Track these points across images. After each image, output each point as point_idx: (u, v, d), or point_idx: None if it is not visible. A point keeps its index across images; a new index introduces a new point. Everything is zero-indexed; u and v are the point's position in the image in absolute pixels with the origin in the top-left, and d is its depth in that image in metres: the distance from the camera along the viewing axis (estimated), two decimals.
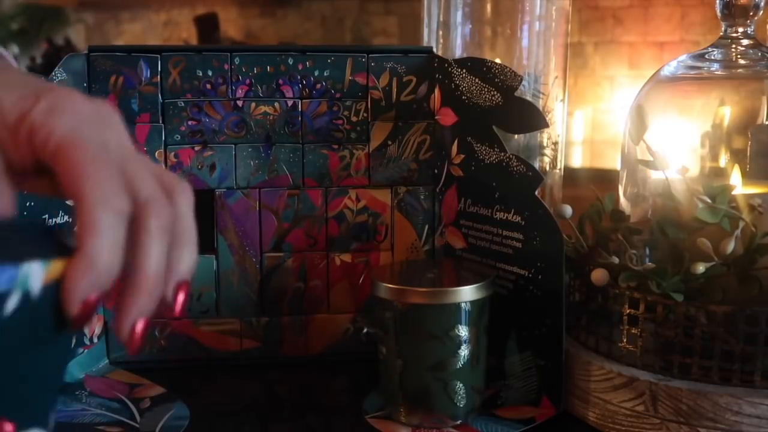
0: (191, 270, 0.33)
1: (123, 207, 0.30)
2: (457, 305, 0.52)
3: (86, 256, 0.29)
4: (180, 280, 0.32)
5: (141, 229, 0.31)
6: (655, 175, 0.57)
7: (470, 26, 0.72)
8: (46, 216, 0.58)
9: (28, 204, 0.56)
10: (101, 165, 0.30)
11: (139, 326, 0.31)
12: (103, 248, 0.29)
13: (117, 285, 0.30)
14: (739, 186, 0.55)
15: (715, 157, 0.58)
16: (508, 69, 0.58)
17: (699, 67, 0.59)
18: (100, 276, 0.29)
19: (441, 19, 0.73)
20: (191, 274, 0.33)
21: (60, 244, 0.30)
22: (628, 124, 0.59)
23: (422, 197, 0.66)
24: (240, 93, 0.64)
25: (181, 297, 0.32)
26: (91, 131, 0.31)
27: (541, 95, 0.72)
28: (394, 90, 0.65)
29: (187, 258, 0.33)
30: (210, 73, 0.63)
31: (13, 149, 0.32)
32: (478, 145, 0.60)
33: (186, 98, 0.63)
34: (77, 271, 0.29)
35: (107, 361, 0.65)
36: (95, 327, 0.64)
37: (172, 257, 0.32)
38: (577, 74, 2.98)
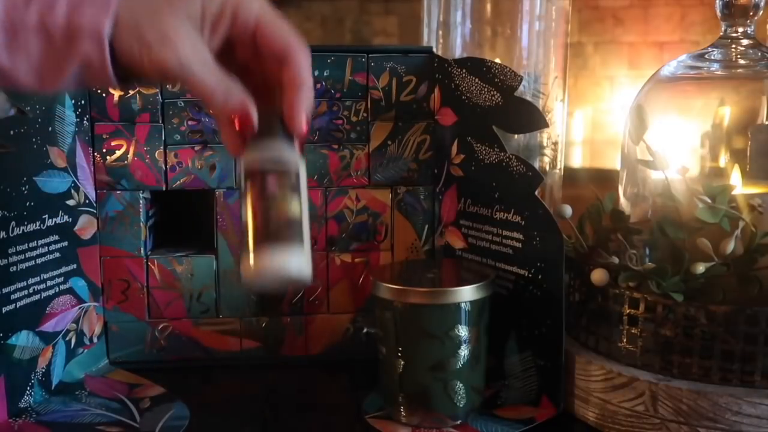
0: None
1: None
2: (457, 305, 0.52)
3: (309, 87, 0.45)
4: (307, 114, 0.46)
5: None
6: (655, 175, 0.57)
7: (470, 26, 0.72)
8: (46, 216, 0.58)
9: (28, 204, 0.56)
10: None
11: (306, 118, 0.45)
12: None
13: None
14: (739, 186, 0.55)
15: (715, 157, 0.58)
16: (508, 69, 0.58)
17: (699, 67, 0.59)
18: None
19: (441, 19, 0.73)
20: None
21: None
22: (628, 124, 0.59)
23: (422, 197, 0.66)
24: None
25: (305, 125, 0.46)
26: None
27: (541, 95, 0.72)
28: (394, 90, 0.65)
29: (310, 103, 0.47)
30: None
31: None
32: (478, 145, 0.60)
33: (186, 98, 0.63)
34: (305, 98, 0.45)
35: (107, 361, 0.65)
36: (95, 327, 0.64)
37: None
38: (577, 74, 2.98)
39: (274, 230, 0.43)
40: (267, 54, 0.45)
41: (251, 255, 0.42)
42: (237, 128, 0.45)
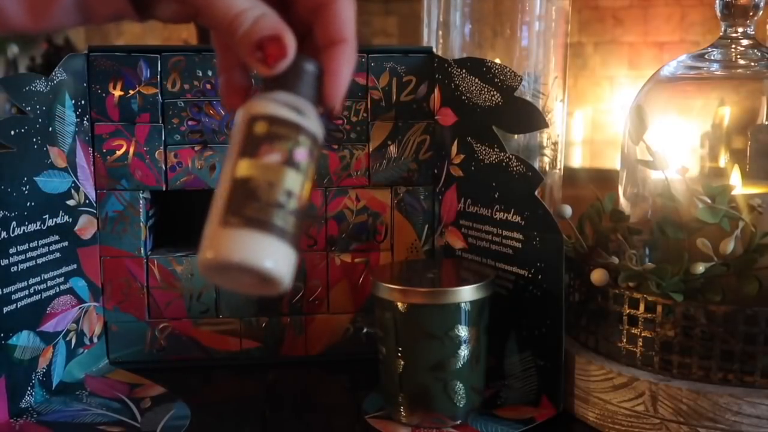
0: None
1: None
2: (457, 305, 0.52)
3: (352, 45, 0.37)
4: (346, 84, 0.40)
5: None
6: (655, 175, 0.57)
7: (470, 26, 0.72)
8: (47, 216, 0.58)
9: (28, 204, 0.56)
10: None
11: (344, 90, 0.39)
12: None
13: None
14: (739, 186, 0.55)
15: (715, 157, 0.58)
16: (508, 69, 0.58)
17: (699, 67, 0.59)
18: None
19: (441, 19, 0.73)
20: None
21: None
22: (628, 124, 0.59)
23: (422, 197, 0.66)
24: None
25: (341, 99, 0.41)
26: None
27: (541, 95, 0.72)
28: (394, 90, 0.65)
29: None
30: (210, 73, 0.63)
31: None
32: (478, 145, 0.60)
33: (186, 98, 0.63)
34: (346, 60, 0.37)
35: (107, 361, 0.65)
36: (95, 327, 0.64)
37: None
38: (577, 74, 2.98)
39: (253, 203, 0.31)
40: None
41: (211, 231, 0.31)
42: (264, 58, 0.34)
